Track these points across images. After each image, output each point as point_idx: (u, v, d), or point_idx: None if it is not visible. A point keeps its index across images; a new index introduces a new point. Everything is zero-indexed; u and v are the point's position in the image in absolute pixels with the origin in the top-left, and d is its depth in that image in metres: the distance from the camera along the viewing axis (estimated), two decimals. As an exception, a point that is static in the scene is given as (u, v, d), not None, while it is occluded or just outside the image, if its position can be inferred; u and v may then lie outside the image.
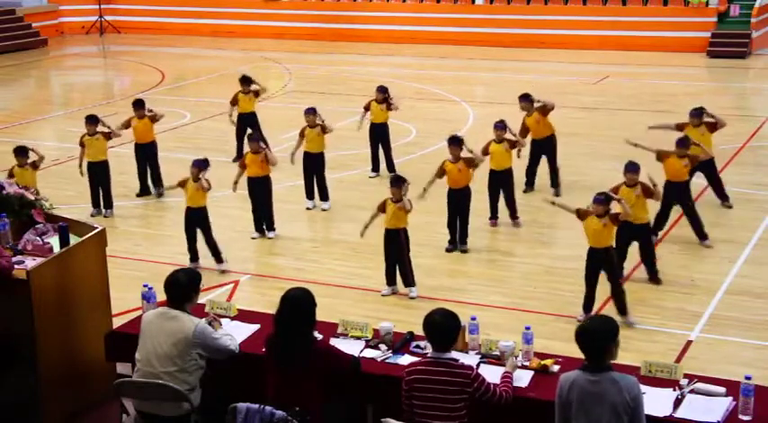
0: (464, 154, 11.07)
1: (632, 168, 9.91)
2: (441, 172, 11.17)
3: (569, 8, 27.67)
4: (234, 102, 15.00)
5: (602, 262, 9.31)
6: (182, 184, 10.78)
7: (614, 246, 9.48)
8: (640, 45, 26.25)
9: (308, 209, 12.72)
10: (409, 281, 9.97)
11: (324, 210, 12.79)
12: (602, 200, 9.15)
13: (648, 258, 10.31)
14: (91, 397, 7.23)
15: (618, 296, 9.30)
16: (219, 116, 18.43)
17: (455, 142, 11.06)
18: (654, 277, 10.31)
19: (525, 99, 13.13)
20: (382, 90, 14.10)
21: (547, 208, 12.11)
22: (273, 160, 11.63)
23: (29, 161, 11.61)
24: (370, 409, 6.39)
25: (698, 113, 12.35)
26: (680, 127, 12.39)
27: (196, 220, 10.74)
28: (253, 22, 30.53)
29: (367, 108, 14.27)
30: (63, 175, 14.56)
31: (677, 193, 11.18)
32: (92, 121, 12.59)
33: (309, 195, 12.90)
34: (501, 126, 11.94)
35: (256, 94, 14.95)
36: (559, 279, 10.56)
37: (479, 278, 10.64)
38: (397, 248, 9.89)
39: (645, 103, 19.86)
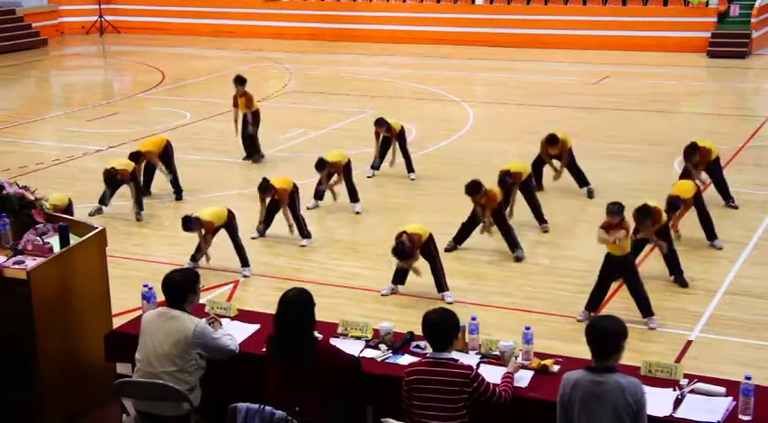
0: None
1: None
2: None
3: (569, 8, 27.67)
4: (235, 104, 15.08)
5: (620, 269, 9.30)
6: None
7: (633, 254, 9.46)
8: (640, 45, 26.25)
9: (308, 208, 12.70)
10: (443, 286, 9.94)
11: (357, 212, 12.78)
12: (616, 211, 9.06)
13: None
14: (91, 397, 7.22)
15: (642, 300, 9.24)
16: (219, 116, 18.42)
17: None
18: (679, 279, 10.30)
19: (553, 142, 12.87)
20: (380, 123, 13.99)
21: (546, 208, 12.11)
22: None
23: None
24: (370, 409, 6.39)
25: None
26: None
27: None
28: (253, 22, 30.52)
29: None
30: (63, 176, 14.57)
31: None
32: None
33: (317, 196, 12.92)
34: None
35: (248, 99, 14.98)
36: (559, 279, 10.55)
37: (479, 278, 10.63)
38: (429, 256, 9.91)
39: (645, 103, 19.85)
